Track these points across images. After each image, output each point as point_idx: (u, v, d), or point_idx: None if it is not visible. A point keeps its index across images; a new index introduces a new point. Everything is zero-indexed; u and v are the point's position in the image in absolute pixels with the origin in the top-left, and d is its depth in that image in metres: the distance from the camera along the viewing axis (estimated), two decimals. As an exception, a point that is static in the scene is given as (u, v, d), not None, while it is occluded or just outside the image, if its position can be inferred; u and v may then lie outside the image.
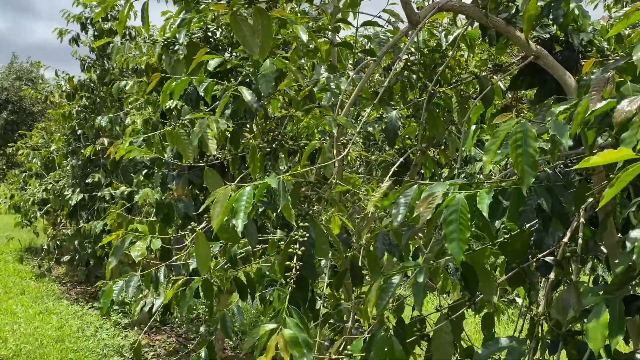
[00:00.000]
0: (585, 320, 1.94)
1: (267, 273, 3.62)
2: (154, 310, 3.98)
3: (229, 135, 3.93)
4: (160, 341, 9.14)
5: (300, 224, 2.79)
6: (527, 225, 2.45)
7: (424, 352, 2.89)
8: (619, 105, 1.85)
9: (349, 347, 2.74)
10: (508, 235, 2.53)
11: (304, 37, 3.42)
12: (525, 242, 2.50)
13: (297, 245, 2.72)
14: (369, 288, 2.54)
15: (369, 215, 3.39)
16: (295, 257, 2.69)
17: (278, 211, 2.52)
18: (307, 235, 2.77)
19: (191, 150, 3.71)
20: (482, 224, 2.21)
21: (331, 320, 3.40)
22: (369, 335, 2.60)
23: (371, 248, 3.39)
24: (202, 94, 3.46)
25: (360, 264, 3.43)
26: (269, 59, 3.32)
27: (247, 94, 3.37)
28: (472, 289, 2.47)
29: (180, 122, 3.78)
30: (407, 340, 2.68)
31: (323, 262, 3.46)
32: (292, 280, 2.66)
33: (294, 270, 2.67)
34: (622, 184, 1.50)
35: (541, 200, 2.18)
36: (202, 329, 4.47)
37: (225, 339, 8.04)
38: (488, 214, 1.99)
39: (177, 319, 9.93)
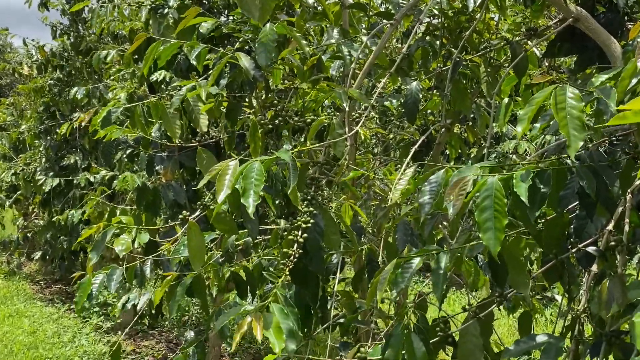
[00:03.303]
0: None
1: (268, 272, 3.63)
2: (138, 308, 3.98)
3: (225, 110, 3.93)
4: (148, 347, 9.17)
5: (305, 209, 2.78)
6: (565, 210, 2.44)
7: (450, 357, 2.87)
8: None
9: (362, 349, 2.74)
10: (543, 221, 2.51)
11: (309, -2, 3.42)
12: (563, 229, 2.49)
13: (300, 232, 2.71)
14: (379, 270, 2.50)
15: (388, 202, 3.40)
16: (295, 244, 2.69)
17: (288, 192, 2.50)
18: (312, 221, 2.76)
19: (178, 127, 3.71)
20: (518, 213, 2.18)
21: (342, 320, 3.40)
22: (387, 334, 2.58)
23: (390, 239, 3.40)
24: (194, 62, 3.45)
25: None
26: (270, 23, 3.31)
27: (245, 62, 3.36)
28: (501, 281, 2.43)
29: (167, 93, 3.78)
30: (430, 342, 2.66)
31: (334, 256, 3.46)
32: (287, 269, 2.66)
33: (292, 257, 2.66)
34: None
35: (584, 183, 2.17)
36: (187, 334, 4.47)
37: (222, 345, 8.08)
38: (527, 200, 1.96)
39: (167, 323, 9.96)
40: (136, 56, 4.72)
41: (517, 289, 2.51)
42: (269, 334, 2.31)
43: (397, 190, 2.63)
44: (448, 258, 2.35)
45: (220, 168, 2.42)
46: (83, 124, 3.87)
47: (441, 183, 2.25)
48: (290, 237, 2.73)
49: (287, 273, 2.68)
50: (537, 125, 2.24)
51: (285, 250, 2.72)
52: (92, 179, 9.38)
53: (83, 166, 10.35)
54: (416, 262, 2.40)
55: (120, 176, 4.87)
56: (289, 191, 2.47)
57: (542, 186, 2.11)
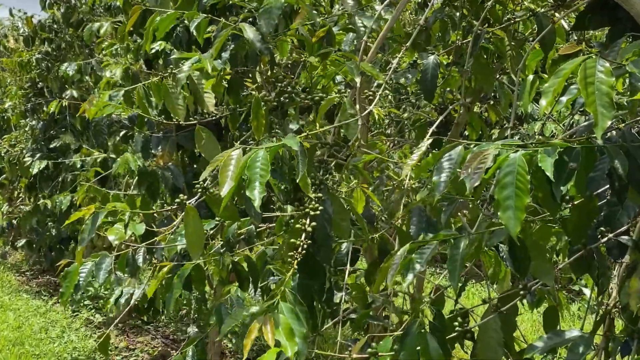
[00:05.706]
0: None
1: (270, 263, 3.62)
2: (131, 301, 3.97)
3: (227, 85, 3.91)
4: (143, 344, 9.17)
5: (313, 195, 2.76)
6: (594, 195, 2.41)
7: (469, 354, 2.84)
8: None
9: (373, 344, 2.73)
10: (569, 207, 2.49)
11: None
12: (592, 216, 2.45)
13: (308, 220, 2.70)
14: (387, 257, 2.48)
15: (402, 185, 3.39)
16: (303, 234, 2.68)
17: (297, 180, 2.49)
18: (321, 208, 2.75)
19: (182, 106, 3.70)
20: (541, 194, 2.16)
21: (353, 315, 3.38)
22: (401, 332, 2.56)
23: (404, 227, 3.39)
24: (194, 33, 3.45)
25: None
26: (276, -10, 3.30)
27: (249, 32, 3.35)
28: (522, 270, 2.37)
29: (169, 71, 3.76)
30: (447, 337, 2.64)
31: (344, 245, 3.46)
32: (295, 261, 2.64)
33: (300, 249, 2.65)
34: None
35: (615, 164, 2.14)
36: (190, 329, 4.48)
37: (224, 341, 8.09)
38: (553, 177, 1.93)
39: (163, 317, 9.94)
40: (131, 28, 4.71)
41: (541, 279, 2.48)
42: (279, 337, 2.32)
43: (408, 166, 2.61)
44: (466, 244, 2.32)
45: (223, 158, 2.43)
46: (85, 114, 3.82)
47: (458, 160, 2.21)
48: (297, 225, 2.72)
49: (295, 266, 2.67)
50: (564, 99, 2.22)
51: (292, 240, 2.72)
52: (83, 162, 9.34)
53: (75, 148, 10.30)
54: (431, 247, 2.39)
55: (119, 159, 4.86)
56: (299, 179, 2.45)
57: (569, 162, 2.07)
